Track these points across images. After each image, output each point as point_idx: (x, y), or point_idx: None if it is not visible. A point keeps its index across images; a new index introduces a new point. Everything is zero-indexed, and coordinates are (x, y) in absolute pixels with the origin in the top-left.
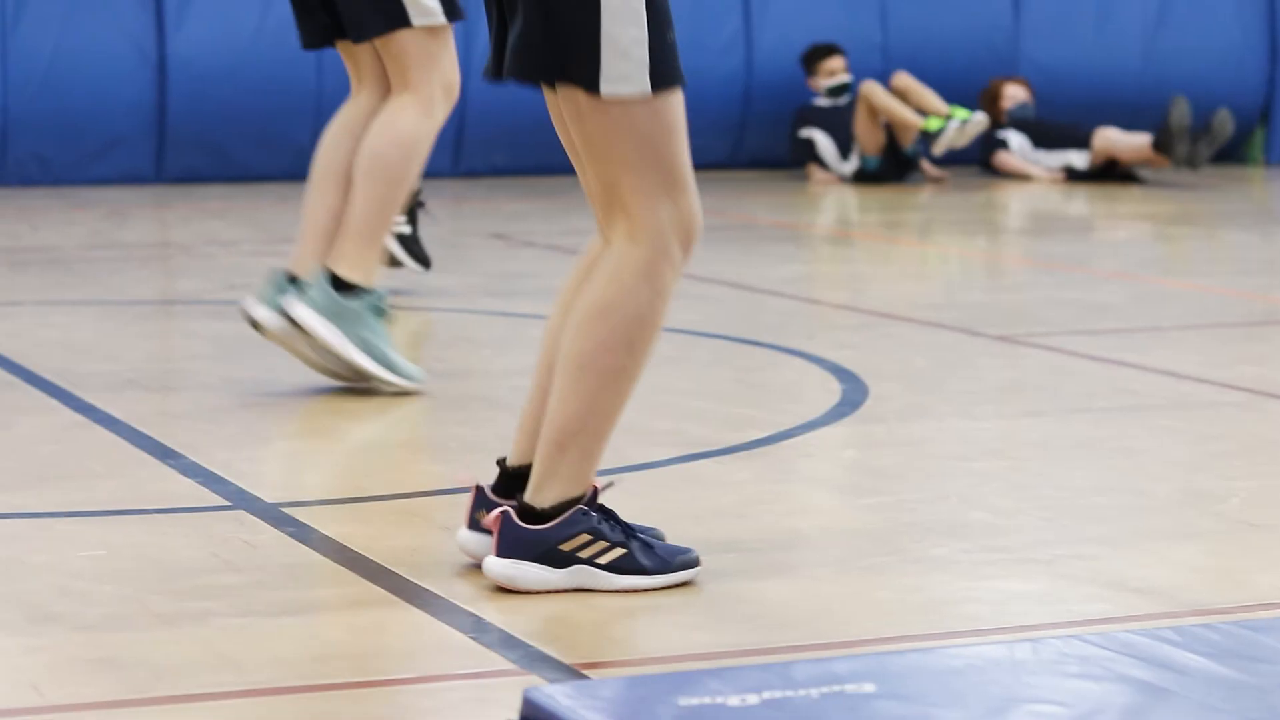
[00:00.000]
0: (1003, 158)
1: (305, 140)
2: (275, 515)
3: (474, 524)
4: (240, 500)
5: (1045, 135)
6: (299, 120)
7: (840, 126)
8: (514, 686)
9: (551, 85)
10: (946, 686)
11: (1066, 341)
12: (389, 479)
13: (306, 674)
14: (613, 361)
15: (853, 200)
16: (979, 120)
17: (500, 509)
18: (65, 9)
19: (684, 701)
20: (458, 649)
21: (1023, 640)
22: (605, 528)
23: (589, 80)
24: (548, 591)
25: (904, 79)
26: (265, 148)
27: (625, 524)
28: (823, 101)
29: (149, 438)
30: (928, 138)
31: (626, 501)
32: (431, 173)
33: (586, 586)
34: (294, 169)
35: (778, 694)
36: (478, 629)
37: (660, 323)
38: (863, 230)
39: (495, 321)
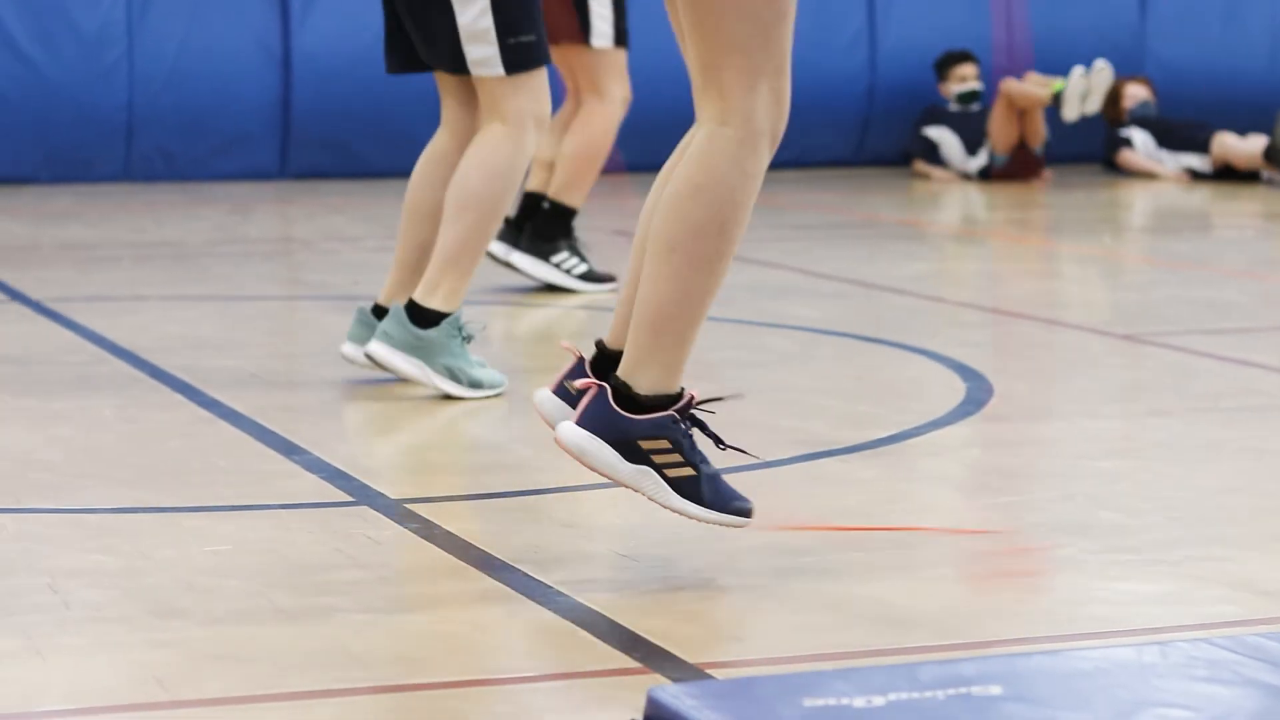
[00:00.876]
0: (1127, 156)
1: (428, 137)
2: (399, 511)
3: (561, 390)
4: (364, 496)
5: (1168, 134)
6: (422, 117)
7: (968, 128)
8: (637, 685)
9: None
10: (1073, 689)
11: (1192, 341)
12: (511, 475)
13: (430, 670)
14: (703, 244)
15: (976, 198)
16: (1102, 65)
17: (595, 381)
18: (191, 5)
19: (809, 703)
20: (581, 646)
21: (1151, 643)
22: (687, 443)
23: None
24: (610, 481)
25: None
26: (388, 144)
27: (702, 453)
28: (953, 107)
29: (273, 433)
30: (1058, 103)
31: (754, 499)
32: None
33: (644, 491)
34: None
35: (904, 696)
36: (601, 626)
37: (750, 205)
38: (986, 228)
39: None
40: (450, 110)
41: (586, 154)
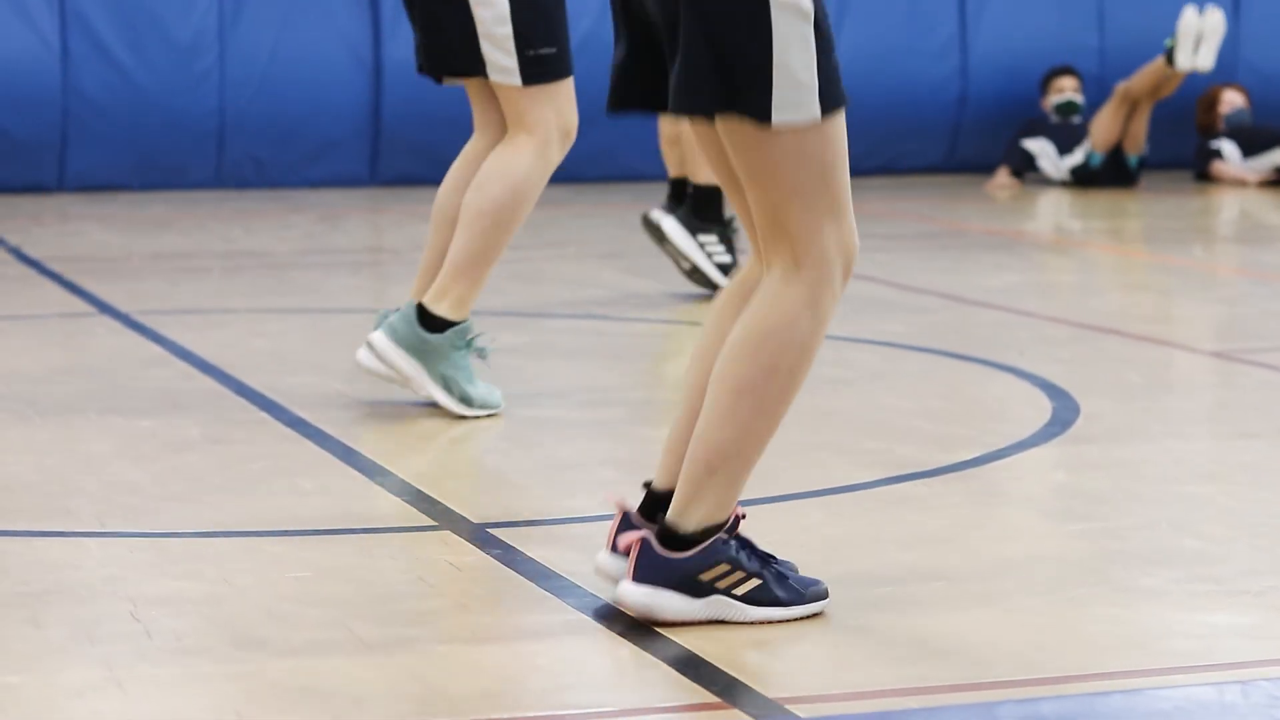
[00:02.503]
0: (1219, 167)
1: None
2: (481, 536)
3: (616, 547)
4: (447, 520)
5: (1256, 141)
6: None
7: (1068, 140)
8: None
9: (712, 117)
10: None
11: None
12: (594, 499)
13: (510, 704)
14: (771, 388)
15: (1066, 206)
16: (1213, 7)
17: (639, 534)
18: (282, 12)
19: None
20: (662, 681)
21: (1232, 682)
22: (743, 557)
23: (760, 110)
24: (684, 623)
25: None
26: None
27: (761, 553)
28: (1053, 119)
29: (358, 453)
30: (1171, 60)
31: (834, 525)
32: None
33: (723, 618)
34: None
35: None
36: (682, 660)
37: (818, 349)
38: (1076, 238)
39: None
40: (482, 114)
41: None
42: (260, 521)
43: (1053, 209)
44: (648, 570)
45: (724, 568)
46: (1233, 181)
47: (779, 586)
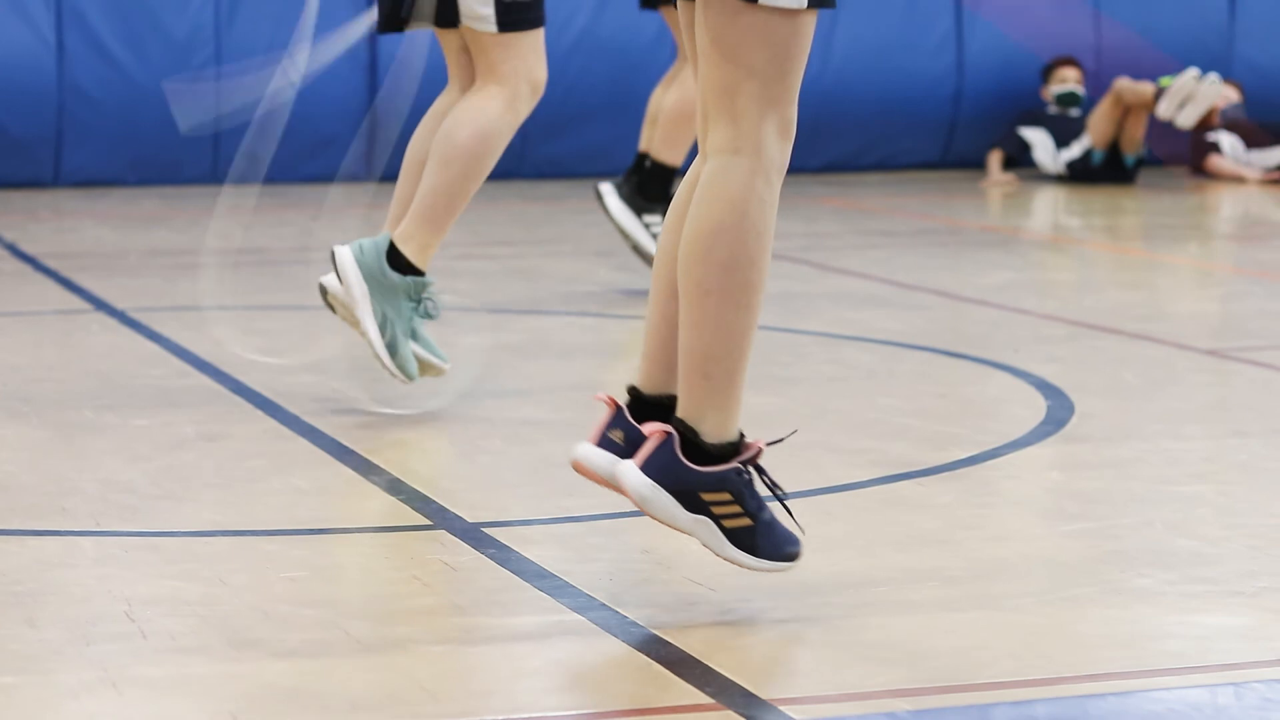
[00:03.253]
0: (1215, 161)
1: (515, 141)
2: (476, 536)
3: (605, 441)
4: (441, 519)
5: (1256, 135)
6: None
7: (1065, 131)
8: None
9: None
10: None
11: (1277, 357)
12: (588, 498)
13: (506, 705)
14: (736, 280)
15: (1062, 203)
16: (1215, 79)
17: (666, 429)
18: (278, 9)
19: None
20: (655, 680)
21: (1225, 684)
22: (747, 494)
23: None
24: (668, 524)
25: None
26: None
27: (760, 498)
28: (1051, 109)
29: (353, 452)
30: (1158, 97)
31: (828, 525)
32: None
33: (699, 538)
34: (504, 169)
35: None
36: (675, 660)
37: (772, 232)
38: (1072, 235)
39: None
40: (455, 67)
41: (685, 111)
42: (255, 521)
43: (1049, 206)
44: (658, 466)
45: (725, 496)
46: (1230, 176)
47: (762, 536)
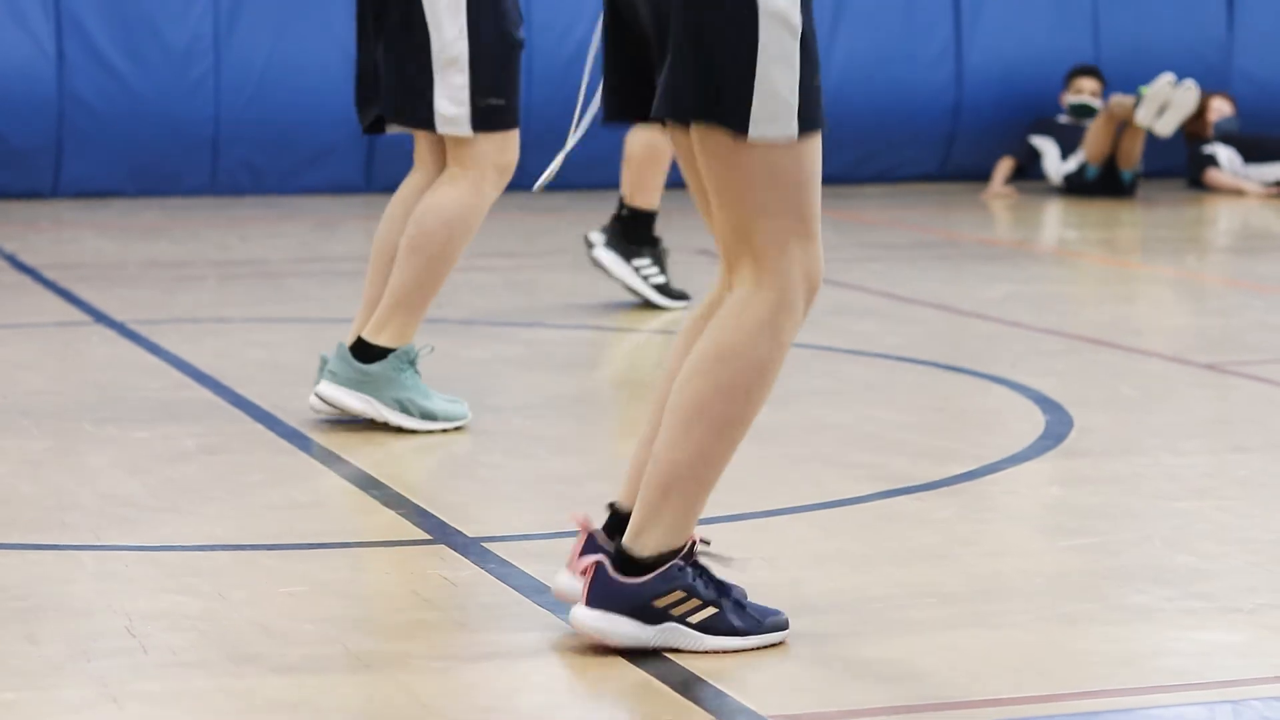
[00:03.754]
0: (1214, 175)
1: None
2: (477, 551)
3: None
4: (441, 534)
5: (1255, 149)
6: None
7: (1072, 142)
8: None
9: (687, 126)
10: None
11: (1277, 371)
12: (589, 512)
13: None
14: (728, 409)
15: (1059, 216)
16: (1190, 85)
17: (594, 559)
18: (278, 19)
19: None
20: (656, 698)
21: (1223, 701)
22: (700, 584)
23: (738, 121)
24: (634, 650)
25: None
26: None
27: (719, 581)
28: (1063, 118)
29: (354, 466)
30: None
31: (826, 540)
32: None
33: (675, 646)
34: None
35: None
36: (675, 678)
37: (778, 372)
38: (1070, 248)
39: None
40: (423, 150)
41: (652, 156)
42: (255, 535)
43: (1048, 219)
44: (601, 595)
45: (679, 594)
46: (1228, 189)
47: (736, 615)
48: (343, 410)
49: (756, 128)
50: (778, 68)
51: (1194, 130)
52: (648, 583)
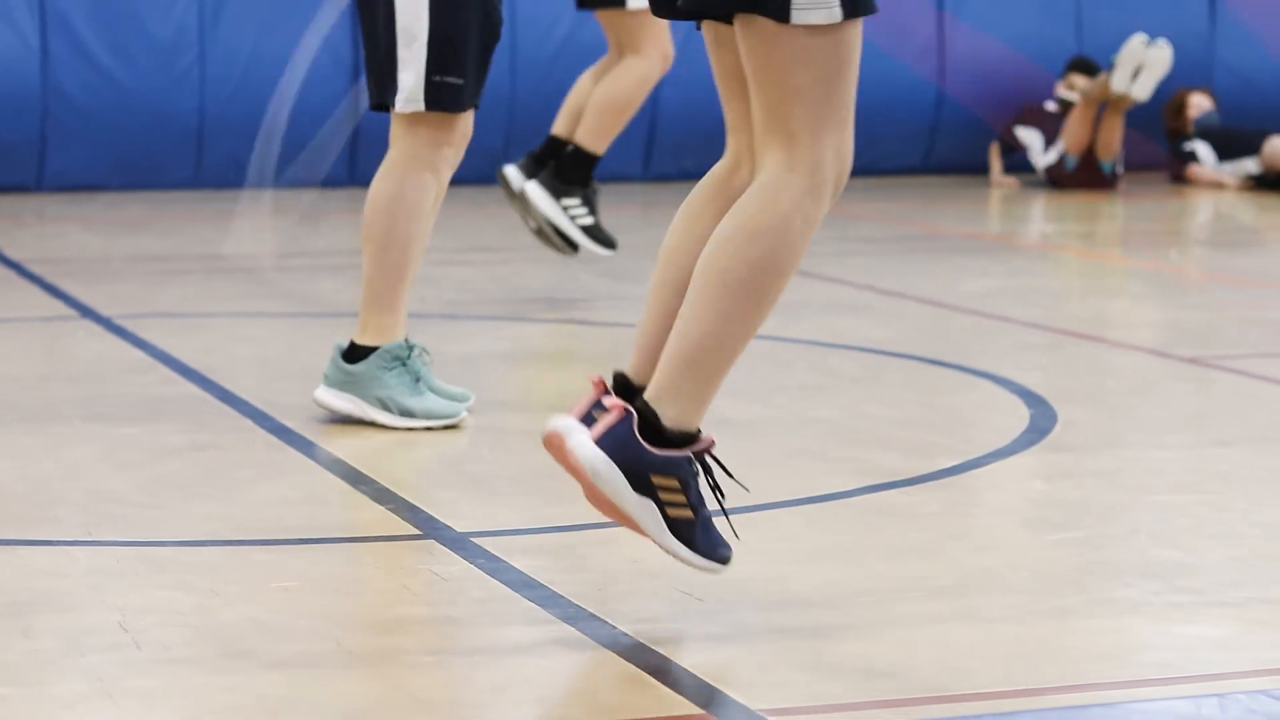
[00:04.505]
0: (1195, 171)
1: (498, 144)
2: (466, 546)
3: (589, 419)
4: (431, 529)
5: (1228, 144)
6: (491, 125)
7: (1052, 134)
8: None
9: (729, 19)
10: None
11: (1258, 365)
12: (578, 508)
13: (496, 715)
14: (760, 284)
15: (1042, 210)
16: (1164, 44)
17: (625, 406)
18: (262, 12)
19: None
20: (645, 691)
21: (1209, 695)
22: (693, 485)
23: (779, 10)
24: (611, 505)
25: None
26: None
27: (702, 494)
28: (1051, 106)
29: (342, 462)
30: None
31: (813, 534)
32: (621, 177)
33: (642, 524)
34: (486, 173)
35: None
36: (665, 671)
37: (804, 251)
38: (1053, 242)
39: None
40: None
41: (615, 104)
42: (246, 530)
43: (1031, 212)
44: (614, 442)
45: (673, 484)
46: (1209, 184)
47: (700, 531)
48: (335, 412)
49: (799, 13)
50: None
51: (1174, 127)
52: (659, 457)
